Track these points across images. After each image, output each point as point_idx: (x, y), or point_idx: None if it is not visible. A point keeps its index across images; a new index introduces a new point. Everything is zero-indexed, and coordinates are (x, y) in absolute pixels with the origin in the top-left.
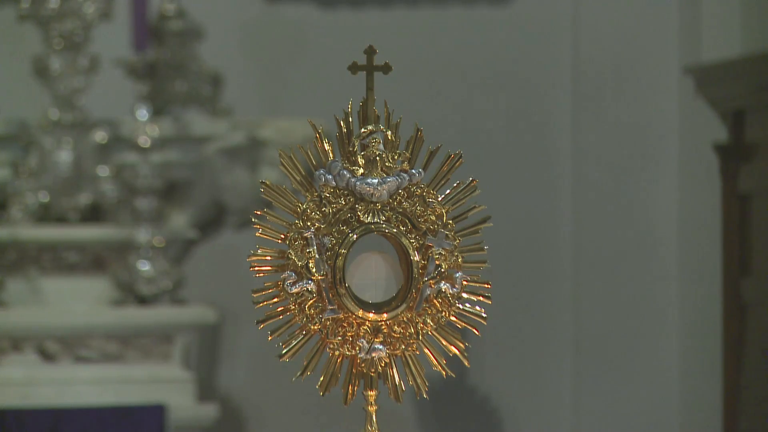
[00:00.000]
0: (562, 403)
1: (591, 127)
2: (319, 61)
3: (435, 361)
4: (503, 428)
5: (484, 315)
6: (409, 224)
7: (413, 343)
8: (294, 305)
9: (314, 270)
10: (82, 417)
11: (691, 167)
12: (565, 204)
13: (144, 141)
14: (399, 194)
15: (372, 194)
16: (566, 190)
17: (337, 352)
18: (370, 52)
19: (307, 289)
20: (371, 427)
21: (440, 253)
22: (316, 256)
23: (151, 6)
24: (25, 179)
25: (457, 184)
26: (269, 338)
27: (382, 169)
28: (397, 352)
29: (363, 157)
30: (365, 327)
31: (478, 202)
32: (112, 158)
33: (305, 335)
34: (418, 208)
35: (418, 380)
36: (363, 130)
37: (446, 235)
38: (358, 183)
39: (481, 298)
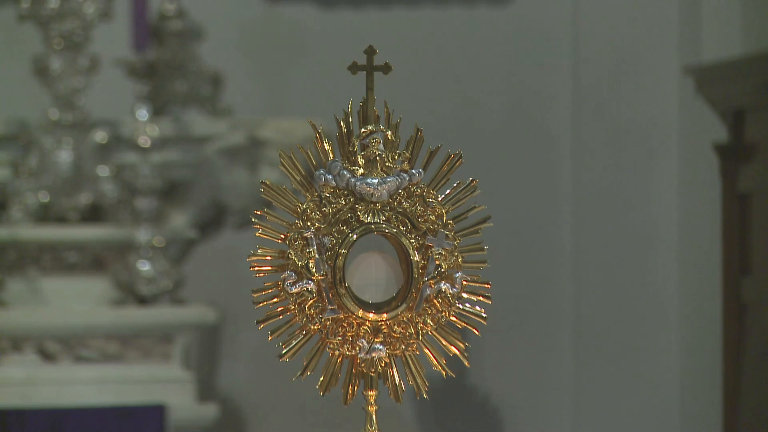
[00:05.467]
0: (562, 403)
1: (591, 127)
2: (319, 61)
3: (435, 361)
4: (503, 428)
5: (484, 315)
6: (409, 224)
7: (413, 343)
8: (294, 305)
9: (314, 270)
10: (82, 417)
11: (691, 167)
12: (565, 204)
13: (144, 141)
14: (399, 194)
15: (372, 194)
16: (566, 190)
17: (337, 352)
18: (370, 52)
19: (307, 289)
20: (371, 427)
21: (440, 253)
22: (316, 256)
23: (151, 6)
24: (25, 179)
25: (457, 184)
26: (269, 338)
27: (382, 169)
28: (397, 352)
29: (363, 157)
30: (365, 327)
31: (478, 202)
32: (112, 158)
33: (305, 335)
34: (418, 208)
35: (418, 380)
36: (363, 130)
37: (446, 235)
38: (358, 183)
39: (481, 298)
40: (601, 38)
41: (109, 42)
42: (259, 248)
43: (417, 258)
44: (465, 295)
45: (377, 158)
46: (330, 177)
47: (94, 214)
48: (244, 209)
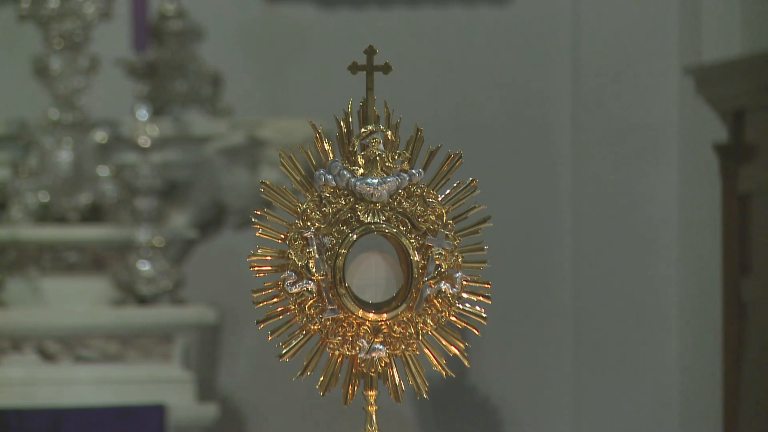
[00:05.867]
0: (562, 403)
1: (591, 127)
2: (319, 61)
3: (435, 361)
4: (503, 428)
5: (484, 315)
6: (409, 224)
7: (413, 343)
8: (294, 305)
9: (314, 270)
10: (82, 417)
11: (691, 167)
12: (565, 204)
13: (144, 141)
14: (399, 194)
15: (372, 194)
16: (566, 190)
17: (337, 352)
18: (370, 52)
19: (307, 289)
20: (371, 427)
21: (440, 253)
22: (316, 256)
23: (151, 6)
24: (25, 179)
25: (457, 184)
26: (269, 338)
27: (382, 169)
28: (397, 352)
29: (363, 157)
30: (365, 327)
31: (478, 202)
32: (112, 158)
33: (305, 335)
34: (418, 208)
35: (418, 380)
36: (363, 130)
37: (446, 235)
38: (358, 183)
39: (481, 298)
40: (601, 38)
41: (109, 42)
42: (259, 248)
43: (417, 258)
44: (465, 295)
45: (377, 158)
46: (330, 177)
47: (94, 214)
48: (244, 209)
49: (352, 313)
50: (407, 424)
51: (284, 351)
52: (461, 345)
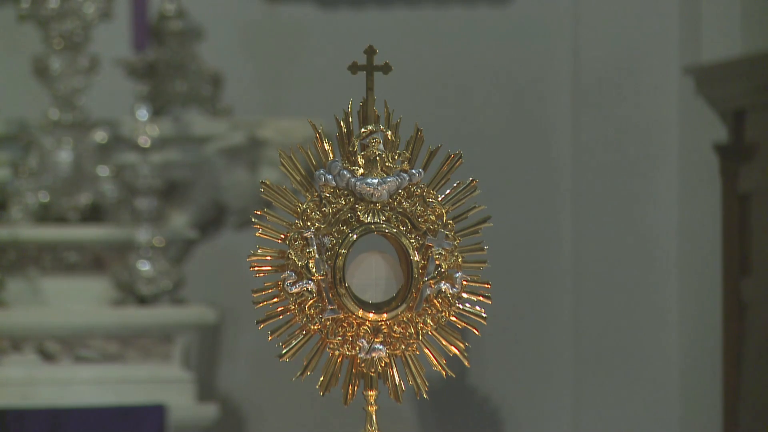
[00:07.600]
0: (562, 403)
1: (591, 127)
2: (319, 61)
3: (435, 361)
4: (503, 428)
5: (484, 315)
6: (409, 224)
7: (413, 343)
8: (294, 305)
9: (314, 270)
10: (82, 417)
11: (691, 167)
12: (565, 204)
13: (144, 141)
14: (399, 194)
15: (372, 194)
16: (566, 190)
17: (337, 352)
18: (370, 52)
19: (307, 289)
20: (371, 427)
21: (440, 253)
22: (316, 256)
23: (151, 6)
24: (25, 179)
25: (457, 184)
26: (269, 338)
27: (382, 169)
28: (397, 352)
29: (363, 157)
30: (365, 327)
31: (478, 202)
32: (112, 158)
33: (305, 335)
34: (418, 208)
35: (418, 380)
36: (363, 130)
37: (446, 235)
38: (358, 183)
39: (481, 298)
40: (601, 38)
41: (109, 42)
42: (259, 248)
43: (417, 258)
44: (465, 295)
45: (377, 158)
46: (330, 177)
47: (94, 214)
48: (244, 209)
49: (352, 313)
50: (407, 424)
51: (284, 351)
52: (461, 345)
